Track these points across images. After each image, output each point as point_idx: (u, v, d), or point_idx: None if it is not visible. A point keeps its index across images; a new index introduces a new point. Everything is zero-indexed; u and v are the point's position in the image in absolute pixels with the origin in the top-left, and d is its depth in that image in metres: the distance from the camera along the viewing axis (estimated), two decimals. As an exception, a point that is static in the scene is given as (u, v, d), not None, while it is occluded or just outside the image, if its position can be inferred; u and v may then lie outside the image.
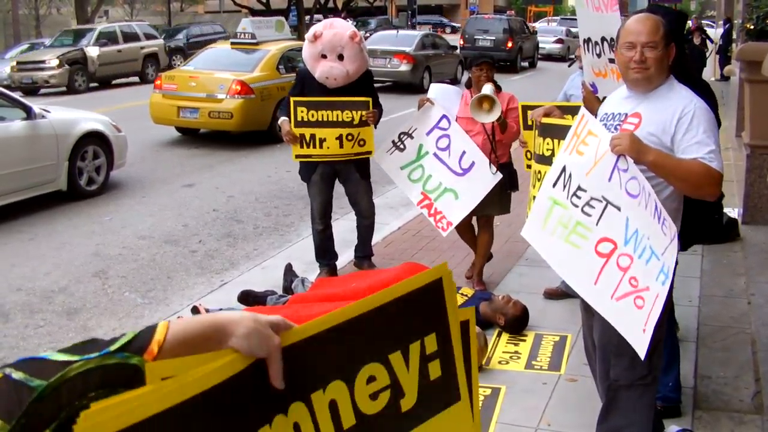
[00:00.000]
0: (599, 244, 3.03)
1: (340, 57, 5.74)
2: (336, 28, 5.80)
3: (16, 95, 9.16)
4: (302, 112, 5.78)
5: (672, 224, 2.94)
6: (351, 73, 5.78)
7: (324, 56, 5.75)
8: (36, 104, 9.13)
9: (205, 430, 1.06)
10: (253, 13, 31.97)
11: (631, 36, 3.15)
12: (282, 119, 5.90)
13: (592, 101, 4.22)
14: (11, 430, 0.91)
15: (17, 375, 0.96)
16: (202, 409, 1.05)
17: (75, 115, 9.73)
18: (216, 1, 41.76)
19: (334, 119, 5.79)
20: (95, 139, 9.46)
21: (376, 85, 6.43)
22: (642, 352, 2.85)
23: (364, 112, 5.80)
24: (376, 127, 5.96)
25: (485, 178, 5.47)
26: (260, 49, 13.77)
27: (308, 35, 5.86)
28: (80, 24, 34.13)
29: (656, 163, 3.00)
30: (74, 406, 0.91)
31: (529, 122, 4.87)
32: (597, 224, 3.04)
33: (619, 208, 2.98)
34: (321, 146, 5.82)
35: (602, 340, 3.33)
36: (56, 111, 9.49)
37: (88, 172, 9.37)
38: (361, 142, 5.87)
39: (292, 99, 5.84)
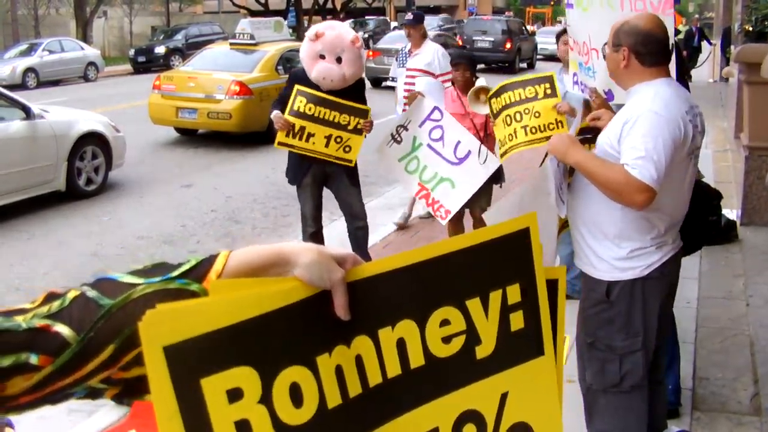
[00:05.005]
0: None
1: (339, 59, 5.69)
2: (338, 30, 5.75)
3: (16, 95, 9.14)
4: (301, 102, 5.71)
5: None
6: (347, 77, 5.73)
7: (322, 56, 5.71)
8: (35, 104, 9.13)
9: (263, 350, 1.07)
10: (252, 13, 31.89)
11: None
12: (275, 113, 5.81)
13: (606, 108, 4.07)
14: (80, 341, 1.02)
15: (91, 293, 1.06)
16: (263, 329, 1.06)
17: (74, 116, 9.71)
18: (214, 1, 41.73)
19: (331, 119, 5.74)
20: (94, 139, 9.46)
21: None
22: None
23: (361, 120, 5.78)
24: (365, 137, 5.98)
25: (483, 166, 5.64)
26: (259, 49, 13.76)
27: (309, 33, 5.80)
28: (79, 24, 34.16)
29: (578, 165, 2.93)
30: (137, 324, 0.97)
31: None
32: None
33: None
34: (307, 140, 5.73)
35: (577, 341, 3.31)
36: (55, 111, 9.49)
37: (86, 173, 9.37)
38: (347, 149, 5.80)
39: (296, 87, 5.75)
